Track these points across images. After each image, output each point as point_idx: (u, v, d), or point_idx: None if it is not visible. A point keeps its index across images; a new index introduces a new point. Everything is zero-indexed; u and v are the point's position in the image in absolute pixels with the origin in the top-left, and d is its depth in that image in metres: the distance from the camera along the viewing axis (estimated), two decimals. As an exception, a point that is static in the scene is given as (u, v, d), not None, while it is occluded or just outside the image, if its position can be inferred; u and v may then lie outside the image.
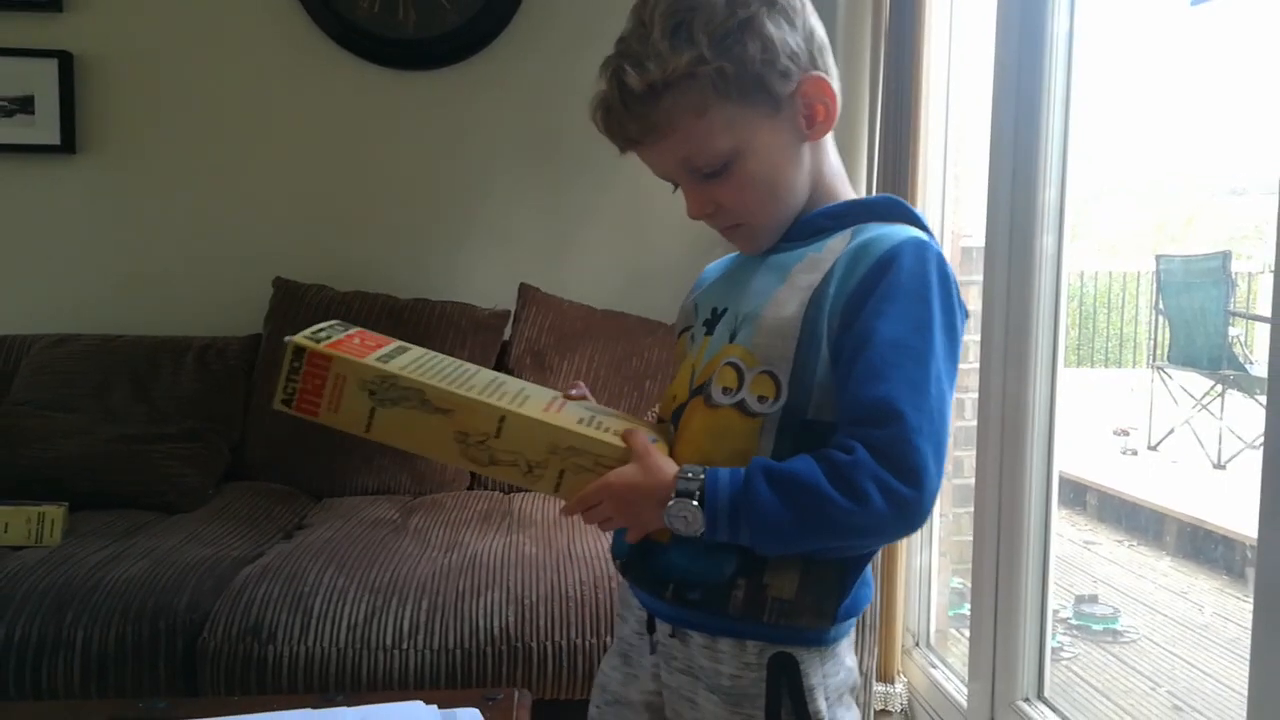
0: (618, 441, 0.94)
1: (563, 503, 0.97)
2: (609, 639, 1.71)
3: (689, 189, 0.96)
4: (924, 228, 0.95)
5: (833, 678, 0.96)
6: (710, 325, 0.99)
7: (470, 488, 2.42)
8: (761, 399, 0.91)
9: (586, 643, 1.71)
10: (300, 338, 0.93)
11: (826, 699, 0.95)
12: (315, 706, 1.22)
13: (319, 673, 1.66)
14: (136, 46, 2.64)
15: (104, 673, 1.66)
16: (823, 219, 0.96)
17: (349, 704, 1.23)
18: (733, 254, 1.08)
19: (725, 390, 0.93)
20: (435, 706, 1.21)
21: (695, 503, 0.87)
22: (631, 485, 0.90)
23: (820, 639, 0.95)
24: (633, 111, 0.91)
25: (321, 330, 0.95)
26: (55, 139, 2.60)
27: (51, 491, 2.04)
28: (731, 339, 0.95)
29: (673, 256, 2.73)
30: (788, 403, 0.90)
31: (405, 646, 1.68)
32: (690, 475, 0.88)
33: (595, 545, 1.93)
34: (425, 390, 0.92)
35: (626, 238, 2.78)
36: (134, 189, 2.68)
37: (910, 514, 0.83)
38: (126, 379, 2.40)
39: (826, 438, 0.87)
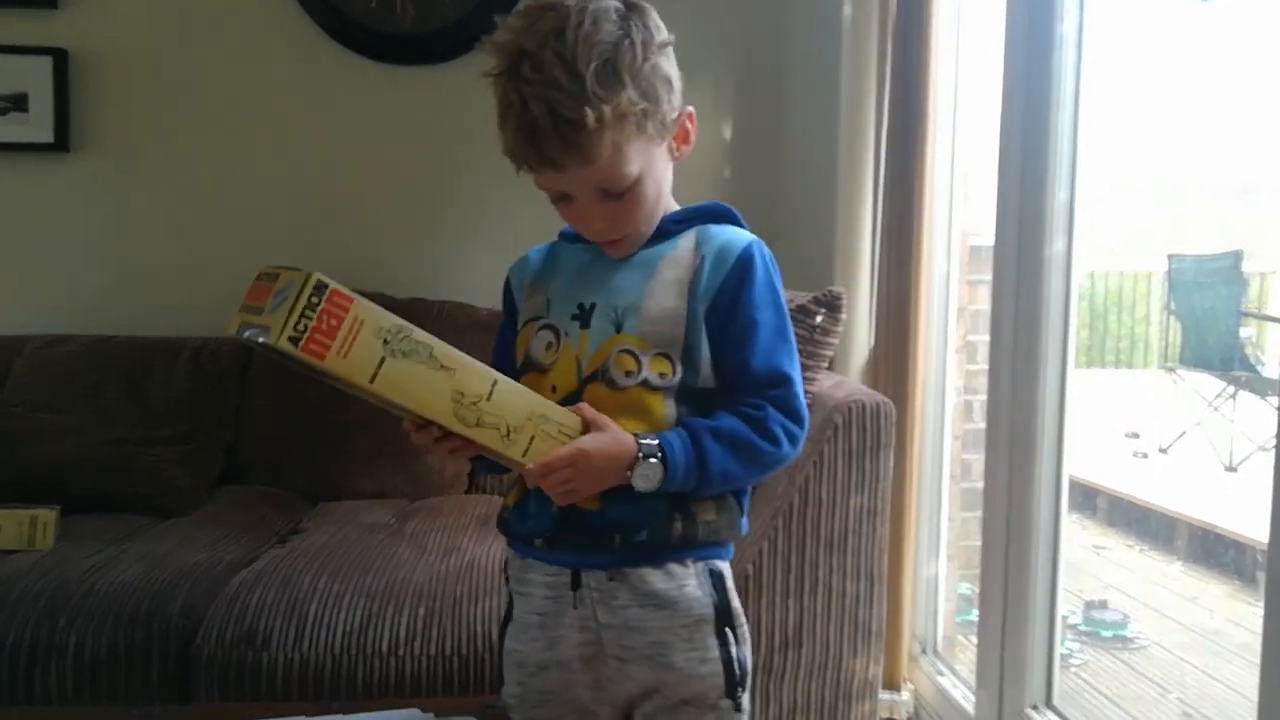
0: (573, 413, 1.04)
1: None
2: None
3: (590, 207, 1.08)
4: (744, 225, 1.17)
5: (731, 581, 1.16)
6: (582, 320, 1.11)
7: (468, 492, 2.40)
8: (661, 375, 1.09)
9: (586, 650, 1.69)
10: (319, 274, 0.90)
11: (735, 598, 1.15)
12: (310, 714, 1.21)
13: (314, 680, 1.64)
14: (131, 44, 2.63)
15: (96, 679, 1.66)
16: (669, 224, 1.14)
17: (345, 711, 1.22)
18: (547, 245, 1.28)
19: (628, 373, 1.08)
20: (432, 714, 1.20)
21: (655, 460, 1.04)
22: (605, 451, 1.04)
23: (729, 551, 1.16)
24: (566, 141, 1.01)
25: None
26: (49, 137, 2.58)
27: (44, 494, 2.02)
28: (618, 330, 1.09)
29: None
30: (683, 377, 1.09)
31: (402, 653, 1.66)
32: (648, 440, 1.05)
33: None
34: (434, 346, 0.95)
35: (629, 237, 2.76)
36: (128, 187, 2.67)
37: (800, 444, 1.11)
38: (120, 380, 2.38)
39: (713, 399, 1.10)
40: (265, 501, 2.26)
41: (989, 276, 1.88)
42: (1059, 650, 1.85)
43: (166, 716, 1.26)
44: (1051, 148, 1.74)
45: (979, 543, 1.94)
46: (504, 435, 1.00)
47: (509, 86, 1.04)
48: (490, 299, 2.51)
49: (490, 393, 0.99)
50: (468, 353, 0.98)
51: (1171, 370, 5.12)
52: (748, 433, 1.07)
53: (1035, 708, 1.81)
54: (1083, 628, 3.10)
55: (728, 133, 2.76)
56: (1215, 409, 4.73)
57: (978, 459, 1.94)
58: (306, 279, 0.89)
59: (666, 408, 1.09)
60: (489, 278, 2.64)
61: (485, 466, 1.16)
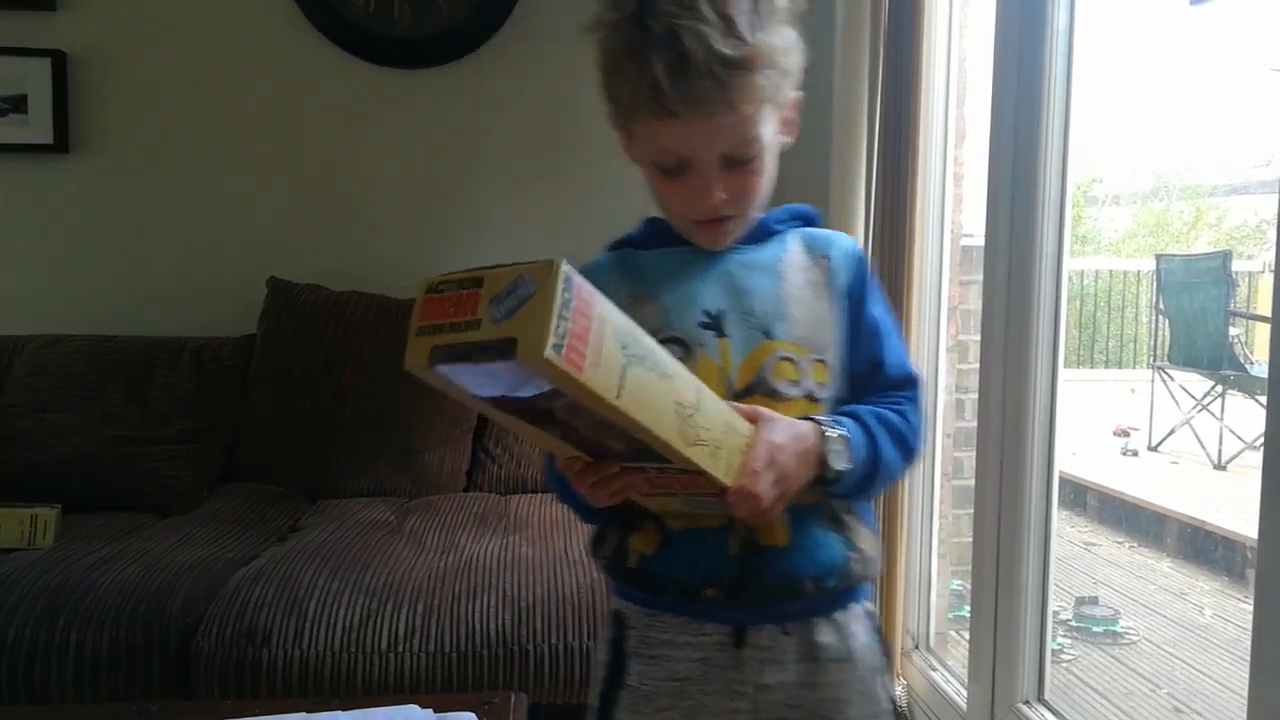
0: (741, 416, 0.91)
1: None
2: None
3: (710, 176, 0.97)
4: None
5: None
6: (715, 327, 0.99)
7: (466, 489, 2.41)
8: (820, 384, 1.00)
9: (583, 645, 1.70)
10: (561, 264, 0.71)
11: None
12: (310, 710, 1.21)
13: (314, 676, 1.65)
14: (130, 45, 2.63)
15: (97, 676, 1.66)
16: (773, 224, 1.06)
17: (344, 707, 1.22)
18: (608, 256, 1.13)
19: (791, 382, 0.99)
20: (431, 710, 1.20)
21: (839, 434, 0.95)
22: (791, 436, 0.93)
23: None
24: (719, 80, 0.91)
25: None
26: (48, 138, 2.58)
27: (44, 493, 2.03)
28: (767, 335, 0.99)
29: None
30: (836, 386, 1.01)
31: (401, 649, 1.67)
32: (819, 419, 0.96)
33: (592, 547, 1.92)
34: (655, 350, 0.80)
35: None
36: (128, 188, 2.67)
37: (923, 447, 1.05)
38: (120, 380, 2.38)
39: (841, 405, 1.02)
40: (265, 499, 2.27)
41: (980, 276, 1.89)
42: (1050, 645, 1.86)
43: (166, 713, 1.27)
44: (1042, 147, 1.74)
45: (970, 539, 1.95)
46: (711, 452, 0.83)
47: (644, 25, 0.91)
48: (487, 299, 2.53)
49: (699, 401, 0.82)
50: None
51: (1161, 369, 5.14)
52: (902, 424, 1.00)
53: (1027, 702, 1.82)
54: (1073, 623, 3.11)
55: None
56: (1204, 408, 4.76)
57: (969, 456, 1.95)
58: (552, 271, 0.70)
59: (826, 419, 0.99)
60: (486, 278, 2.67)
61: (586, 515, 1.04)
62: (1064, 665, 2.84)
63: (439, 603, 1.72)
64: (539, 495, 2.33)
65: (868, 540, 1.03)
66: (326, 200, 2.72)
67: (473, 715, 1.20)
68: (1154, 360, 5.50)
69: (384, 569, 1.81)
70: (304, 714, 1.21)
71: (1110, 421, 5.31)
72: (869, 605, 1.06)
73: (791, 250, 1.04)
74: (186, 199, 2.68)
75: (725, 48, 0.90)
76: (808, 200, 1.12)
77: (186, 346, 2.48)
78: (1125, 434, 5.10)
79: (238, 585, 1.75)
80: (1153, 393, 5.11)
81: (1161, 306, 5.27)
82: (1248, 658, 1.24)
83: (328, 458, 2.37)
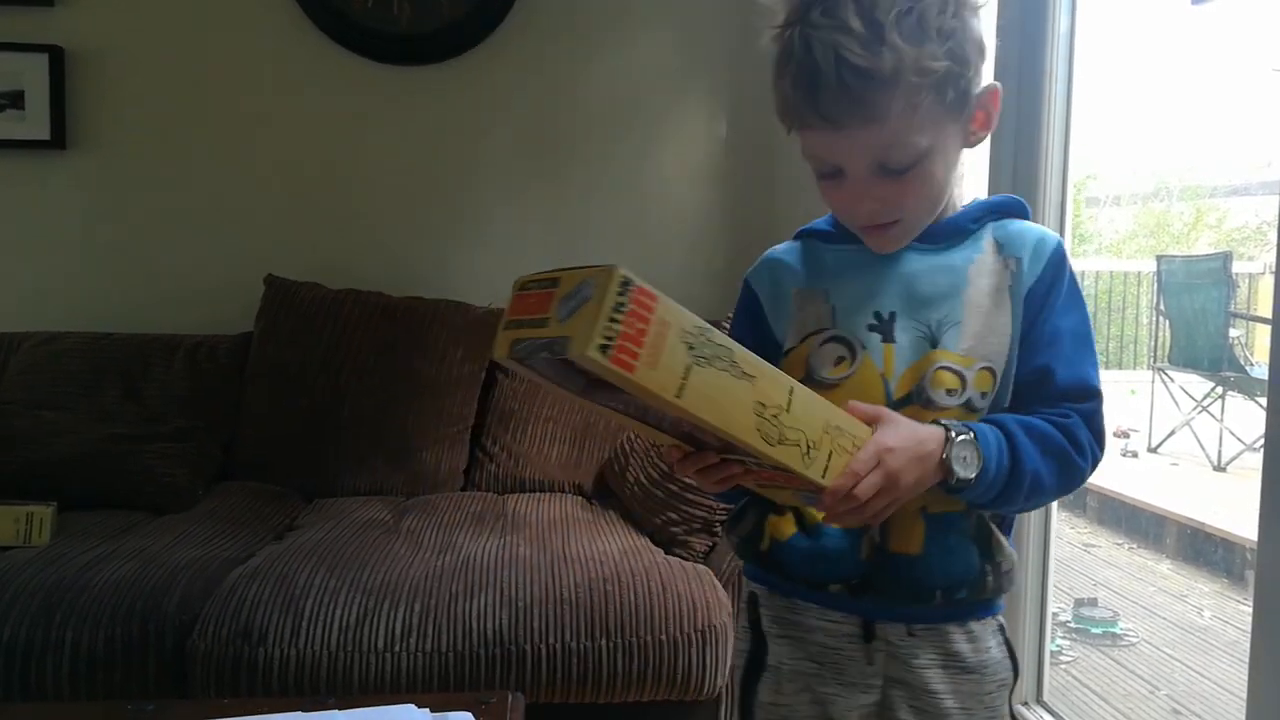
0: (859, 420, 0.90)
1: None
2: (604, 641, 1.70)
3: (862, 185, 0.93)
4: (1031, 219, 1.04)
5: None
6: (882, 332, 0.98)
7: (464, 488, 2.41)
8: (983, 395, 0.96)
9: (581, 645, 1.70)
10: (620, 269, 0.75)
11: None
12: (306, 709, 1.21)
13: (310, 675, 1.64)
14: (128, 41, 2.63)
15: (93, 674, 1.65)
16: (968, 222, 1.00)
17: (340, 707, 1.22)
18: (792, 245, 1.08)
19: (949, 392, 0.96)
20: (427, 709, 1.19)
21: (968, 439, 0.90)
22: (909, 440, 0.89)
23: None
24: (850, 93, 0.87)
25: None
26: (45, 134, 2.58)
27: (40, 490, 2.02)
28: (934, 345, 0.96)
29: (670, 253, 2.72)
30: (998, 393, 0.96)
31: (398, 649, 1.66)
32: (949, 424, 0.91)
33: (590, 547, 1.91)
34: (734, 350, 0.81)
35: (623, 234, 2.76)
36: (125, 185, 2.66)
37: (1097, 466, 0.98)
38: (117, 377, 2.38)
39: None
40: (261, 498, 2.26)
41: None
42: (1049, 647, 1.86)
43: (163, 712, 1.26)
44: (1043, 149, 1.75)
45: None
46: (804, 452, 0.84)
47: (789, 35, 0.90)
48: (486, 297, 2.53)
49: (789, 402, 0.83)
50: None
51: (1161, 370, 5.14)
52: (1059, 436, 0.94)
53: (1025, 704, 1.82)
54: (1073, 625, 3.11)
55: (723, 129, 2.78)
56: (1204, 409, 4.75)
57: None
58: (609, 276, 0.74)
59: None
60: (486, 276, 2.67)
61: (724, 497, 1.01)
62: (1063, 667, 2.83)
63: (436, 602, 1.72)
64: (537, 494, 2.32)
65: (1007, 555, 1.00)
66: (325, 197, 2.71)
67: (469, 715, 1.19)
68: (1154, 361, 5.50)
69: (381, 568, 1.80)
70: (300, 713, 1.20)
71: (1110, 422, 5.31)
72: (1002, 619, 1.04)
73: (985, 252, 0.99)
74: (184, 195, 2.67)
75: (859, 59, 0.86)
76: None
77: (183, 344, 2.47)
78: (1125, 435, 5.09)
79: (234, 584, 1.75)
80: (1153, 394, 5.11)
81: (1162, 307, 5.26)
82: (1247, 660, 1.24)
83: (325, 456, 2.36)
